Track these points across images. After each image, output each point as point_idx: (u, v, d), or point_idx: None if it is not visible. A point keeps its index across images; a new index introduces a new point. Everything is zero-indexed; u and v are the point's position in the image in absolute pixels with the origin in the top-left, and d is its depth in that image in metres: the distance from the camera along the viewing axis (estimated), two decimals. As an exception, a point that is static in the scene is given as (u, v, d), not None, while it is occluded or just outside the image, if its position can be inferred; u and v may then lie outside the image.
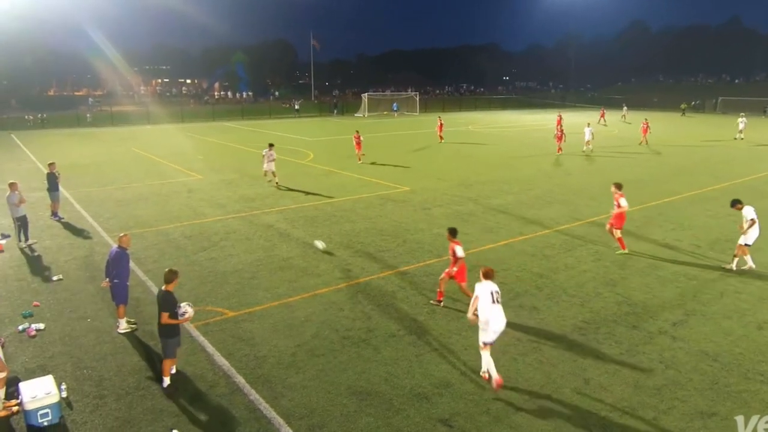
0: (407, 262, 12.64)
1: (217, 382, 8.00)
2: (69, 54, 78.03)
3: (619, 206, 12.68)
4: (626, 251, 12.93)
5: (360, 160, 26.66)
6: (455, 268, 9.70)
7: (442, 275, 10.11)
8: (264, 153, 21.53)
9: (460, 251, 9.65)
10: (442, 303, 10.19)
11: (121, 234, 9.73)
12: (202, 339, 9.14)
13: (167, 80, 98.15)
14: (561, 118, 37.87)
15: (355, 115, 65.18)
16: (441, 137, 35.30)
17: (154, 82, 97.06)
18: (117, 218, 16.38)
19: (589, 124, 31.97)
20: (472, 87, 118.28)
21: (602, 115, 52.91)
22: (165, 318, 7.59)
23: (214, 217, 16.61)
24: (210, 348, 8.88)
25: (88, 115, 53.07)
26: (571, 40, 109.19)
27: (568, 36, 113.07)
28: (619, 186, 12.94)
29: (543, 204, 18.20)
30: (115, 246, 9.62)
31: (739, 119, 37.00)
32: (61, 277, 11.81)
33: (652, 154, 29.77)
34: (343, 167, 25.48)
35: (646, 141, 33.11)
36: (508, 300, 10.65)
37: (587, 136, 29.69)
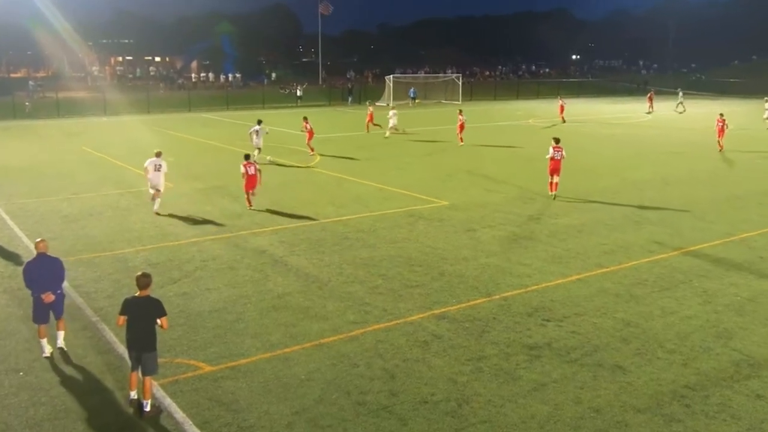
0: (444, 301, 12.60)
1: (187, 461, 8.03)
2: (3, 25, 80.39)
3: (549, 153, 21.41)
4: (553, 193, 21.26)
5: (311, 152, 30.56)
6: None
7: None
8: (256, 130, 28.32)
9: (242, 169, 20.00)
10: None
11: (38, 239, 10.62)
12: (168, 401, 9.18)
13: (130, 58, 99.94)
14: (564, 107, 44.74)
15: (376, 103, 65.54)
16: (461, 138, 34.32)
17: (113, 60, 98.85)
18: (61, 239, 16.72)
19: (393, 107, 39.22)
20: (534, 67, 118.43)
21: (650, 100, 52.59)
22: (167, 323, 9.06)
23: (187, 238, 16.85)
24: (179, 414, 8.91)
25: (26, 103, 53.74)
26: (669, 3, 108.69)
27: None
28: (557, 140, 21.56)
29: (631, 225, 18.10)
30: (35, 254, 10.54)
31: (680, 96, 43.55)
32: (-13, 315, 12.02)
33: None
34: (360, 173, 25.78)
35: (722, 146, 31.99)
36: (581, 356, 10.51)
37: (391, 122, 36.19)
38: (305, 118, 31.41)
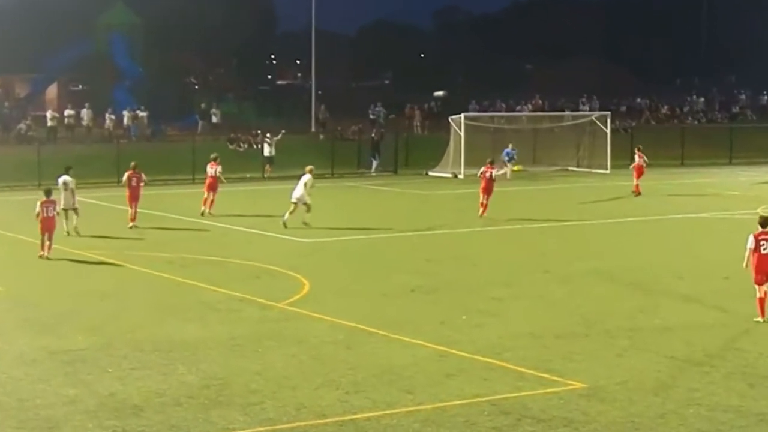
0: None
1: None
2: None
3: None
4: (762, 320, 25.22)
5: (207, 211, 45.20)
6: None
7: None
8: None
9: (37, 209, 34.65)
10: None
11: None
12: None
13: None
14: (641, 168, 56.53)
15: (430, 173, 67.52)
16: (483, 206, 45.68)
17: None
18: None
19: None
20: (766, 98, 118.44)
21: None
22: None
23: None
24: None
25: None
26: None
27: None
28: (765, 221, 25.25)
29: None
30: None
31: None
32: None
33: None
34: (397, 320, 25.85)
35: None
36: None
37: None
38: (216, 159, 45.43)
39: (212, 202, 46.55)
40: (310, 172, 43.45)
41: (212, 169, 47.51)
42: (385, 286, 30.35)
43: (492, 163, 47.97)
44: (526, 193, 55.57)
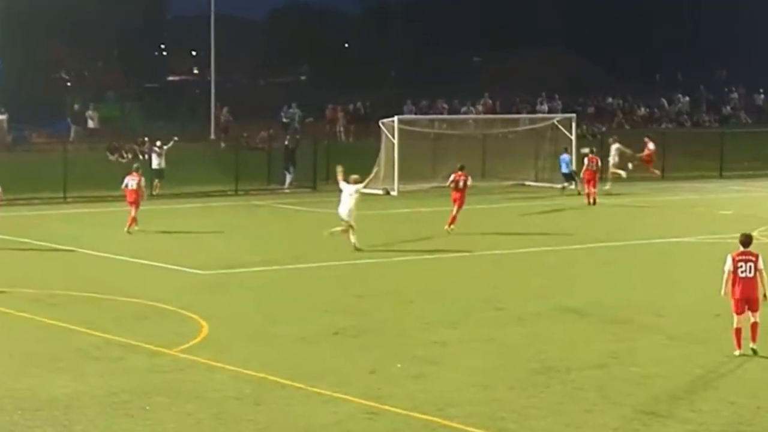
0: None
1: None
2: None
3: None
4: (739, 352, 26.35)
5: None
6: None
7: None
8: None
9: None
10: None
11: None
12: None
13: None
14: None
15: (361, 187, 66.21)
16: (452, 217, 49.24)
17: None
18: None
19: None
20: (764, 95, 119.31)
21: (647, 159, 67.99)
22: None
23: None
24: None
25: None
26: None
27: None
28: (746, 241, 26.52)
29: None
30: None
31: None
32: None
33: None
34: (317, 369, 25.63)
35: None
36: None
37: None
38: (137, 170, 45.34)
39: (134, 219, 48.80)
40: (356, 182, 45.44)
41: (132, 180, 50.15)
42: (303, 328, 29.94)
43: (462, 168, 50.65)
44: (474, 214, 55.54)
